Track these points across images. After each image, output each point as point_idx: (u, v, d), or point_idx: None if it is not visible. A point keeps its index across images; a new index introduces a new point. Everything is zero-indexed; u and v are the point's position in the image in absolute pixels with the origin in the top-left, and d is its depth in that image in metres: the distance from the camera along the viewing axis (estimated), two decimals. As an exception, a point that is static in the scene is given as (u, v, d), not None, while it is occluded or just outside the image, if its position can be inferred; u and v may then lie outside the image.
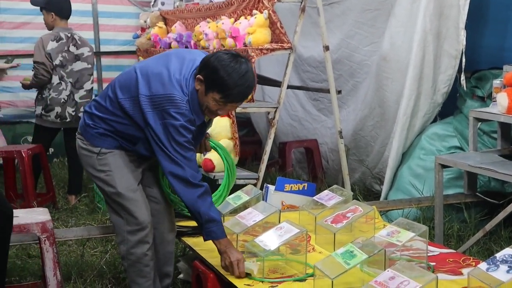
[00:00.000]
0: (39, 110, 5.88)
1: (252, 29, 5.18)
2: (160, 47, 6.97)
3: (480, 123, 4.70)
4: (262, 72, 6.61)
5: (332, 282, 2.73)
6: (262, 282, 3.04)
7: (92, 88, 6.06)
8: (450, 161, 4.42)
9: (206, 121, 3.43)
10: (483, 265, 2.61)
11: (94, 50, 8.27)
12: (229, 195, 3.93)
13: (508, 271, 2.49)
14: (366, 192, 5.90)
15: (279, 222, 3.52)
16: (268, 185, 4.56)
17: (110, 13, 8.30)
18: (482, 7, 5.30)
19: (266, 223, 3.58)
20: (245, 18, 5.35)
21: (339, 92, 5.62)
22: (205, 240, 3.26)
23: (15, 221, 3.41)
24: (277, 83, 6.22)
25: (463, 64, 5.10)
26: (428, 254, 3.19)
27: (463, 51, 5.09)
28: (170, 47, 6.70)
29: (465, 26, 5.05)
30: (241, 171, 5.22)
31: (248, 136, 7.99)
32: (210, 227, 3.21)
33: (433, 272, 3.05)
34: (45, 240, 3.43)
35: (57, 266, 3.48)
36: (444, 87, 5.29)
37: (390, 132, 5.55)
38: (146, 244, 3.38)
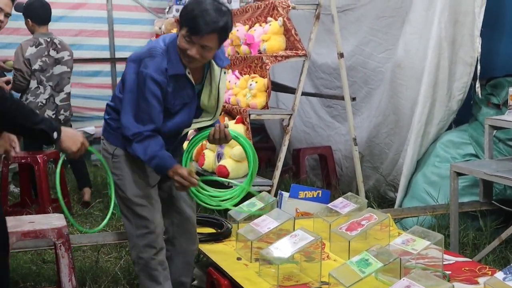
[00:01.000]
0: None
1: (267, 36, 5.19)
2: (175, 54, 6.99)
3: (495, 130, 4.67)
4: (276, 79, 6.61)
5: (347, 290, 2.72)
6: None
7: (70, 91, 6.07)
8: (466, 169, 4.39)
9: (195, 87, 3.27)
10: (499, 275, 2.59)
11: (109, 56, 8.36)
12: (243, 201, 3.92)
13: (525, 281, 2.47)
14: (381, 199, 5.87)
15: (294, 229, 3.52)
16: (282, 192, 4.56)
17: (125, 19, 8.36)
18: (498, 15, 5.28)
19: (280, 230, 3.57)
20: (260, 25, 5.37)
21: (353, 99, 5.61)
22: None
23: (31, 227, 3.43)
24: (291, 90, 6.22)
25: (478, 71, 5.07)
26: (444, 263, 3.17)
27: (478, 58, 5.06)
28: (184, 53, 6.72)
29: (481, 33, 5.03)
30: (256, 178, 5.19)
31: (262, 142, 7.99)
32: (154, 164, 3.17)
33: (448, 281, 3.02)
34: (60, 245, 3.44)
35: (72, 271, 3.48)
36: (459, 94, 5.26)
37: (405, 139, 5.52)
38: (153, 249, 3.33)
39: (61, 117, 5.89)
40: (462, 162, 4.81)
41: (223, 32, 3.06)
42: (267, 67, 5.09)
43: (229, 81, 5.48)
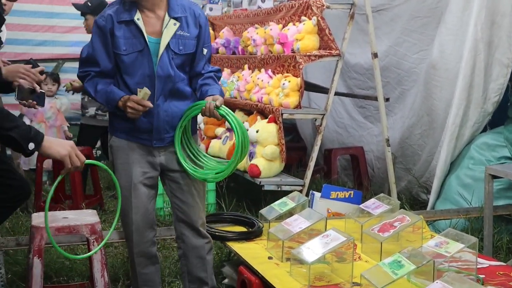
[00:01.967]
0: (92, 111, 6.06)
1: (301, 35, 5.19)
2: (208, 52, 7.02)
3: (531, 133, 4.62)
4: (308, 78, 6.59)
5: (379, 292, 2.70)
6: None
7: None
8: (501, 172, 4.34)
9: (152, 39, 3.28)
10: (535, 279, 2.56)
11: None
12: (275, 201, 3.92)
13: (561, 286, 2.44)
14: (413, 201, 5.83)
15: (325, 229, 3.51)
16: (314, 192, 4.56)
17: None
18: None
19: (312, 230, 3.57)
20: (294, 24, 5.37)
21: (387, 99, 5.59)
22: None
23: (65, 222, 3.47)
24: (323, 90, 6.21)
25: (515, 72, 5.03)
26: (477, 266, 3.14)
27: (515, 60, 5.01)
28: (217, 52, 6.75)
29: (518, 34, 4.98)
30: (287, 177, 5.22)
31: (293, 142, 7.97)
32: (103, 99, 3.32)
33: (482, 284, 3.00)
34: (93, 241, 3.47)
35: (105, 267, 3.52)
36: (494, 96, 5.20)
37: (438, 141, 5.48)
38: (130, 242, 3.45)
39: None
40: (497, 165, 4.76)
41: None
42: (300, 66, 5.09)
43: (262, 80, 5.48)
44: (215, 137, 5.84)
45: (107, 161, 6.89)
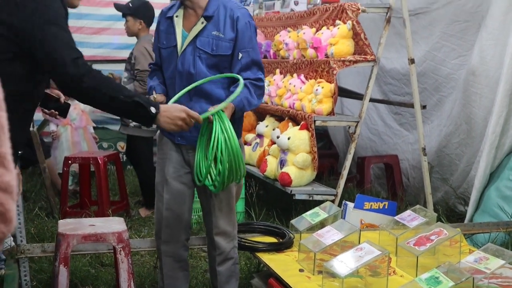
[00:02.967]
0: None
1: (335, 40, 5.17)
2: (238, 56, 7.03)
3: None
4: (341, 84, 6.58)
5: (416, 309, 2.68)
6: None
7: None
8: (543, 184, 4.28)
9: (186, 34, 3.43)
10: None
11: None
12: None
13: None
14: (449, 212, 5.78)
15: (359, 242, 3.49)
16: (347, 202, 4.53)
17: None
18: None
19: (345, 242, 3.55)
20: (328, 28, 5.36)
21: (423, 107, 5.54)
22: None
23: (92, 230, 3.48)
24: (357, 96, 6.19)
25: (559, 80, 4.94)
26: (519, 284, 3.10)
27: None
28: (248, 56, 6.75)
29: None
30: (319, 186, 5.21)
31: (325, 149, 7.95)
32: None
33: (524, 303, 2.95)
34: (120, 250, 3.49)
35: (132, 277, 3.53)
36: (537, 104, 5.13)
37: (477, 151, 5.42)
38: (158, 238, 3.60)
39: None
40: (540, 177, 4.70)
41: None
42: (334, 72, 5.07)
43: (294, 86, 5.48)
44: (245, 143, 5.85)
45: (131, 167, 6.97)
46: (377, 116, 7.11)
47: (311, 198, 5.05)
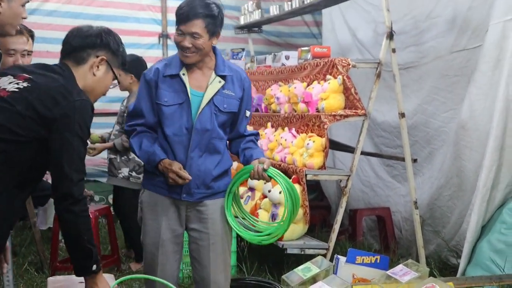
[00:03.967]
0: (125, 172, 5.84)
1: (326, 94, 5.23)
2: (230, 109, 7.09)
3: None
4: (333, 136, 6.64)
5: None
6: None
7: None
8: (535, 238, 4.30)
9: (196, 92, 3.48)
10: None
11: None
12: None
13: None
14: (442, 265, 5.77)
15: (351, 298, 3.49)
16: (339, 256, 4.53)
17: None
18: None
19: (336, 298, 3.55)
20: (318, 82, 5.42)
21: (414, 160, 5.58)
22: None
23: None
24: (348, 149, 6.23)
25: (549, 134, 5.01)
26: None
27: (549, 121, 5.01)
28: (240, 109, 6.81)
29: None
30: (311, 240, 5.21)
31: (317, 200, 7.96)
32: (144, 158, 3.54)
33: None
34: (110, 307, 3.46)
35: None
36: (527, 157, 5.18)
37: (468, 204, 5.44)
38: None
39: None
40: (531, 230, 4.72)
41: (208, 18, 3.36)
42: (325, 126, 5.12)
43: (285, 139, 5.52)
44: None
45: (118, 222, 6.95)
46: (369, 168, 7.15)
47: (302, 253, 5.04)
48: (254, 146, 3.66)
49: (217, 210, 3.53)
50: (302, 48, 5.94)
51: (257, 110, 6.50)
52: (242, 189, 5.85)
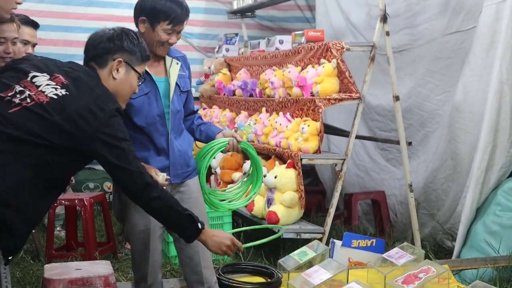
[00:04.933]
0: None
1: (320, 78, 5.23)
2: (224, 94, 7.09)
3: (562, 178, 4.60)
4: (328, 121, 6.63)
5: None
6: None
7: None
8: (529, 219, 4.32)
9: (159, 79, 3.52)
10: None
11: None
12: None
13: None
14: (437, 248, 5.79)
15: (347, 281, 3.51)
16: (335, 240, 4.55)
17: (174, 58, 8.49)
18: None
19: (333, 281, 3.57)
20: (313, 67, 5.41)
21: (409, 143, 5.59)
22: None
23: (78, 274, 3.47)
24: (343, 133, 6.23)
25: (543, 115, 5.02)
26: (507, 321, 3.12)
27: (543, 102, 5.01)
28: (234, 94, 6.82)
29: (545, 76, 4.98)
30: (306, 225, 5.22)
31: (312, 185, 7.96)
32: None
33: None
34: (107, 293, 3.48)
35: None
36: (522, 139, 5.19)
37: (463, 186, 5.46)
38: (143, 282, 3.59)
39: None
40: (526, 212, 4.74)
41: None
42: (320, 110, 5.12)
43: (280, 124, 5.52)
44: (232, 182, 5.87)
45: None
46: (364, 152, 7.15)
47: (298, 237, 5.06)
48: (206, 122, 3.78)
49: (197, 189, 3.62)
50: (296, 32, 5.92)
51: (251, 95, 6.49)
52: (237, 174, 5.87)
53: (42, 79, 2.78)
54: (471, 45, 5.34)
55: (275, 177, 5.12)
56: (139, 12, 3.46)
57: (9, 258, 2.77)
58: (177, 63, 3.56)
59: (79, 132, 2.70)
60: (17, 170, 2.64)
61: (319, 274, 3.57)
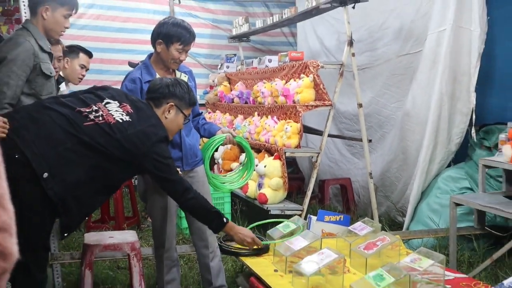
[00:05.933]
0: None
1: (300, 89, 5.23)
2: (225, 101, 7.08)
3: (487, 169, 4.63)
4: (306, 123, 6.62)
5: (365, 300, 2.70)
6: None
7: None
8: (463, 201, 4.35)
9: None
10: (492, 290, 2.55)
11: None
12: (278, 223, 3.93)
13: (513, 297, 2.43)
14: (391, 222, 5.82)
15: (321, 247, 3.51)
16: (311, 215, 4.55)
17: (186, 74, 8.46)
18: (489, 75, 5.26)
19: (310, 247, 3.56)
20: (294, 80, 5.41)
21: (369, 141, 5.60)
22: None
23: (111, 241, 3.49)
24: (318, 132, 6.23)
25: (473, 119, 5.04)
26: (445, 278, 3.13)
27: (473, 109, 5.04)
28: (233, 101, 6.81)
29: (475, 89, 5.01)
30: (289, 204, 5.23)
31: (293, 173, 7.96)
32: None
33: (449, 294, 2.99)
34: (133, 257, 3.49)
35: (142, 278, 3.53)
36: (457, 138, 5.22)
37: (412, 174, 5.49)
38: (161, 248, 3.61)
39: None
40: (460, 195, 4.77)
41: None
42: (300, 114, 5.13)
43: (269, 125, 5.52)
44: (231, 170, 5.85)
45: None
46: (334, 147, 7.17)
47: (283, 213, 5.07)
48: (209, 122, 3.77)
49: (203, 174, 3.63)
50: (281, 53, 5.93)
51: (246, 102, 6.49)
52: (235, 164, 5.86)
53: (113, 106, 2.83)
54: (418, 65, 5.36)
55: (265, 166, 5.13)
56: (156, 36, 3.46)
57: (65, 234, 2.77)
58: (185, 76, 3.58)
59: (135, 150, 2.74)
60: (83, 168, 2.66)
61: (299, 242, 3.56)
